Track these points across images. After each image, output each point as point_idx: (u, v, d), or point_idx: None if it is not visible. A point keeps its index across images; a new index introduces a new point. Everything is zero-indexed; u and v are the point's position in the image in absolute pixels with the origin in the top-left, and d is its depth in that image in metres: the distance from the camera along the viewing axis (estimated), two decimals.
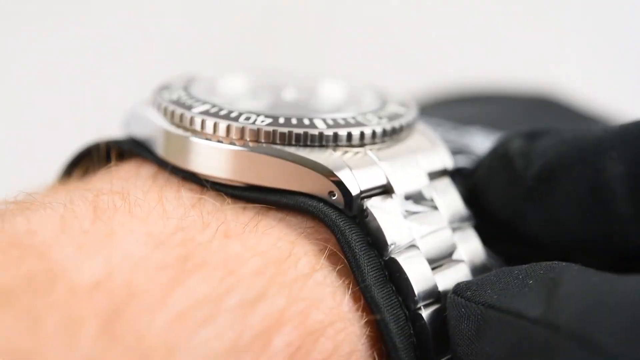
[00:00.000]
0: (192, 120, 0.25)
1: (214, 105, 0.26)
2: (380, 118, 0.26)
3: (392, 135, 0.26)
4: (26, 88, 0.55)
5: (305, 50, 0.59)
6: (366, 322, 0.23)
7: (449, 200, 0.26)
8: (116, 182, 0.25)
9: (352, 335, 0.23)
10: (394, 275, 0.24)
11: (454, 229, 0.26)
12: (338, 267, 0.23)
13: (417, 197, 0.26)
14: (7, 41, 0.54)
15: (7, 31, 0.54)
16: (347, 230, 0.23)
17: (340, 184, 0.24)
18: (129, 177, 0.26)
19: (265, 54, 0.57)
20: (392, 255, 0.24)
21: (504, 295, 0.22)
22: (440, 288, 0.24)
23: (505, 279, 0.22)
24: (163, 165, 0.26)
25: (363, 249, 0.23)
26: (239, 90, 0.29)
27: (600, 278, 0.21)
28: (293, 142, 0.25)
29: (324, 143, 0.25)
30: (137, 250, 0.21)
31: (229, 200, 0.24)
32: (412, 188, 0.25)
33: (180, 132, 0.26)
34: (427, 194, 0.26)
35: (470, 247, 0.26)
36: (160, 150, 0.26)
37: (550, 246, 0.25)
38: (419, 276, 0.24)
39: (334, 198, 0.24)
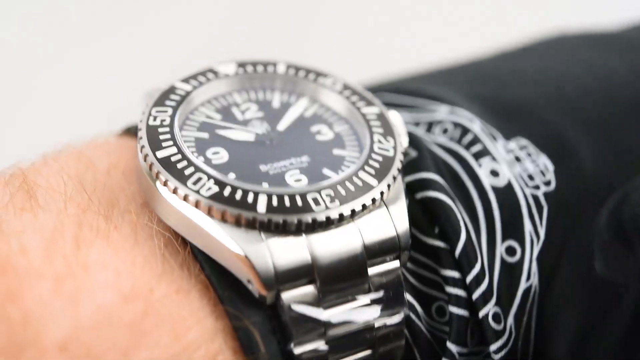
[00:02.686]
0: (151, 166, 0.26)
1: (176, 153, 0.26)
2: (332, 200, 0.25)
3: (339, 221, 0.25)
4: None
5: (308, 44, 0.59)
6: None
7: (389, 288, 0.25)
8: (108, 180, 0.26)
9: None
10: None
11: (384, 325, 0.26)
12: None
13: (345, 287, 0.25)
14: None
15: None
16: (246, 319, 0.24)
17: (256, 275, 0.24)
18: (120, 175, 0.27)
19: (266, 49, 0.58)
20: (294, 350, 0.24)
21: None
22: None
23: None
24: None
25: (264, 335, 0.24)
26: (235, 114, 0.28)
27: None
28: (228, 220, 0.25)
29: (257, 226, 0.25)
30: (105, 302, 0.22)
31: (188, 250, 0.25)
32: (340, 275, 0.25)
33: (147, 171, 0.26)
34: (364, 281, 0.25)
35: (391, 344, 0.26)
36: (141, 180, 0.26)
37: None
38: None
39: (250, 286, 0.24)
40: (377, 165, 0.26)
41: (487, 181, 0.28)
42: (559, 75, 0.32)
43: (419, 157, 0.28)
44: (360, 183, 0.26)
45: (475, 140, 0.29)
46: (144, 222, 0.25)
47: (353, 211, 0.25)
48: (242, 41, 0.58)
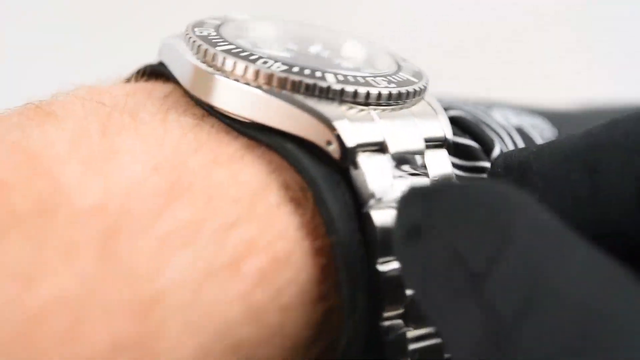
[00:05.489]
0: (214, 56, 0.27)
1: (237, 47, 0.27)
2: (389, 82, 0.27)
3: (397, 99, 0.27)
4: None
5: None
6: (321, 248, 0.24)
7: (441, 170, 0.27)
8: (129, 99, 0.26)
9: (309, 265, 0.24)
10: (366, 228, 0.25)
11: None
12: (305, 202, 0.24)
13: (410, 161, 0.27)
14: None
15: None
16: (313, 171, 0.24)
17: (337, 135, 0.25)
18: (143, 93, 0.27)
19: None
20: (369, 211, 0.25)
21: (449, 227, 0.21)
22: None
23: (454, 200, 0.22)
24: (177, 86, 0.27)
25: (328, 187, 0.24)
26: (268, 37, 0.30)
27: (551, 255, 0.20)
28: (302, 91, 0.26)
29: (330, 96, 0.26)
30: (135, 173, 0.22)
31: (225, 128, 0.26)
32: (406, 150, 0.26)
33: (204, 67, 0.27)
34: (421, 160, 0.27)
35: None
36: (184, 81, 0.28)
37: None
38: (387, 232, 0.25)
39: (330, 147, 0.25)
40: (411, 71, 0.29)
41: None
42: None
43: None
44: (405, 77, 0.28)
45: None
46: (173, 117, 0.26)
47: (408, 93, 0.27)
48: None
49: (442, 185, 0.23)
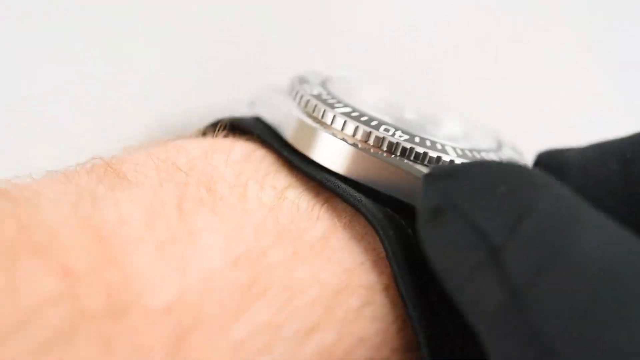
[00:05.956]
0: (334, 119, 0.26)
1: (355, 110, 0.27)
2: (500, 159, 0.27)
3: None
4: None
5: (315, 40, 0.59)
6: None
7: None
8: (207, 162, 0.25)
9: None
10: None
11: None
12: (391, 301, 0.23)
13: None
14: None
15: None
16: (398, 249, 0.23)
17: None
18: (221, 155, 0.26)
19: (272, 50, 0.57)
20: None
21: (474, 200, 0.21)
22: None
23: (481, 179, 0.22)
24: (259, 144, 0.26)
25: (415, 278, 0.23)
26: (368, 99, 0.30)
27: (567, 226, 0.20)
28: (425, 162, 0.26)
29: None
30: (213, 264, 0.21)
31: (307, 207, 0.25)
32: None
33: (314, 124, 0.27)
34: None
35: None
36: (288, 135, 0.27)
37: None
38: None
39: None
40: (512, 148, 0.30)
41: None
42: None
43: None
44: (509, 155, 0.29)
45: None
46: (253, 192, 0.25)
47: None
48: (248, 38, 0.58)
49: (463, 165, 0.23)
